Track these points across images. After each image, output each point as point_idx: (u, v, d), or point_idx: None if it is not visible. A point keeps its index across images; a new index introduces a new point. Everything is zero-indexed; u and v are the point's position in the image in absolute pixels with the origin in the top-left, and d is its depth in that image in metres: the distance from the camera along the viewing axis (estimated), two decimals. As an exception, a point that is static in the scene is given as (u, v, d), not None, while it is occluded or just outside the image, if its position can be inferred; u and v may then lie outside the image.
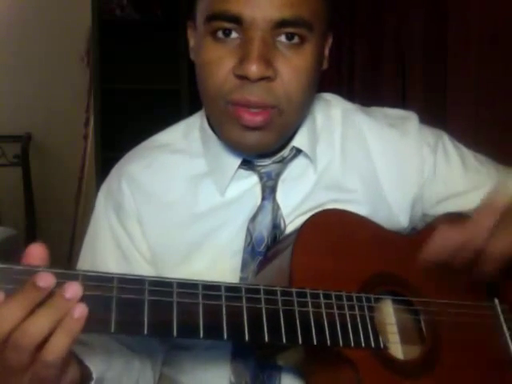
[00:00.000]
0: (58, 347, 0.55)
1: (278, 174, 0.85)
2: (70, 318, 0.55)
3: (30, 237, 3.32)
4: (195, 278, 0.81)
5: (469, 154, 0.96)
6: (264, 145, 0.80)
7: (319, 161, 0.87)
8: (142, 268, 0.86)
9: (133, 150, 0.94)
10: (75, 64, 3.43)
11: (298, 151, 0.86)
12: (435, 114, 1.84)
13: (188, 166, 0.88)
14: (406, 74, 2.14)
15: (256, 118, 0.76)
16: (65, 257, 3.34)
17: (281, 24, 0.74)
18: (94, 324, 0.57)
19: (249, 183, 0.85)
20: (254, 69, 0.72)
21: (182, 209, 0.86)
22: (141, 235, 0.86)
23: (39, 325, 0.54)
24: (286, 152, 0.86)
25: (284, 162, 0.86)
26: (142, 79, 3.20)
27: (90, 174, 3.41)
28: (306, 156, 0.86)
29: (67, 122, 3.47)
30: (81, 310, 0.55)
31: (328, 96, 0.95)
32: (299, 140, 0.86)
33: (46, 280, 0.54)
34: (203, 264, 0.83)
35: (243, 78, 0.74)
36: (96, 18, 3.17)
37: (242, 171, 0.85)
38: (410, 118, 0.93)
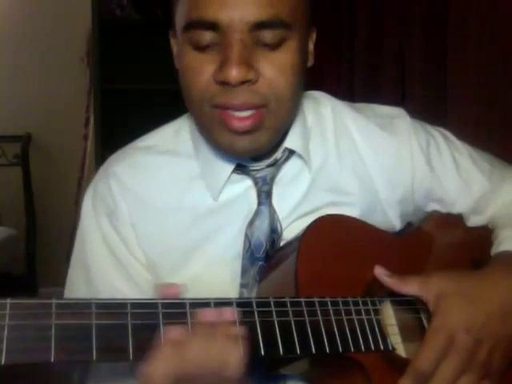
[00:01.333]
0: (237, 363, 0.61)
1: (273, 178, 0.83)
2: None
3: (30, 237, 3.32)
4: (193, 283, 0.79)
5: (465, 152, 0.94)
6: (256, 148, 0.77)
7: (313, 160, 0.85)
8: (142, 275, 0.83)
9: (119, 151, 0.90)
10: (75, 64, 3.42)
11: (291, 152, 0.84)
12: (435, 114, 1.84)
13: (178, 167, 0.85)
14: (405, 74, 2.14)
15: (245, 123, 0.74)
16: (64, 257, 3.34)
17: (259, 26, 0.71)
18: (112, 353, 0.57)
19: (242, 187, 0.84)
20: (234, 73, 0.70)
21: (174, 212, 0.83)
22: (135, 240, 0.83)
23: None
24: (278, 154, 0.83)
25: (277, 165, 0.83)
26: (142, 79, 3.20)
27: (90, 174, 3.40)
28: (300, 157, 0.84)
29: (67, 122, 3.46)
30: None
31: (316, 94, 0.93)
32: (291, 141, 0.84)
33: (210, 315, 0.62)
34: (200, 269, 0.82)
35: (224, 83, 0.72)
36: (96, 18, 3.17)
37: (235, 175, 0.83)
38: (399, 116, 0.91)
